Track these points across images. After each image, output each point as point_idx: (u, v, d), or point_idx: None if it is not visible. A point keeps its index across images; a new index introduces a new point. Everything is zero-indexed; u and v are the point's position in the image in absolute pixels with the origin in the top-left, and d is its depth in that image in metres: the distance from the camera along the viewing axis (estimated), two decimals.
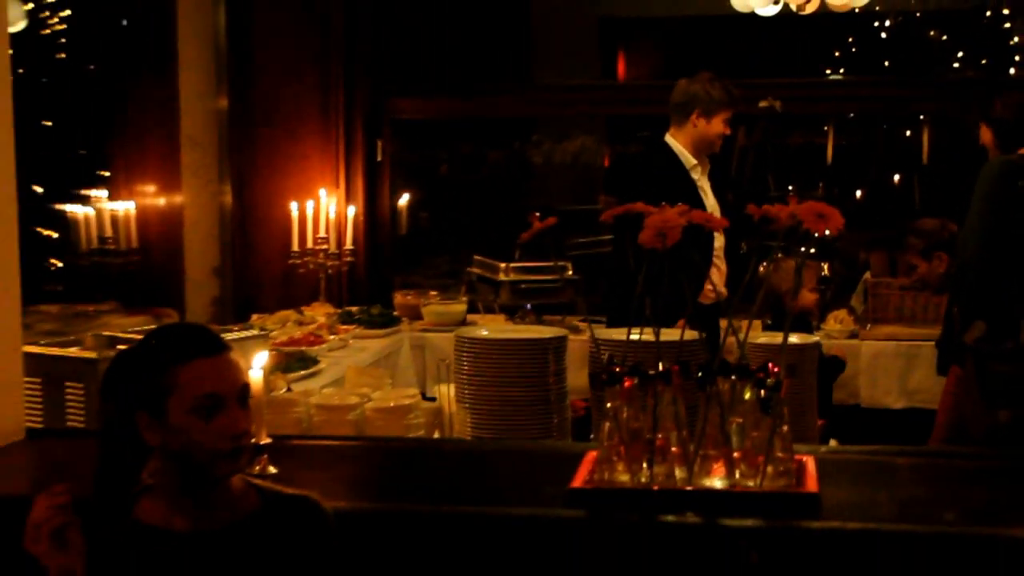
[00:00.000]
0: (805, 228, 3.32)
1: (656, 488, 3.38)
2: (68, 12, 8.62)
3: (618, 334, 4.22)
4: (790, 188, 8.29)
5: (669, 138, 6.85)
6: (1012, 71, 13.54)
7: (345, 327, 7.46)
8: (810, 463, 3.54)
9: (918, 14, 13.86)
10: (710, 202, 6.72)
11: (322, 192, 8.36)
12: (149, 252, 8.49)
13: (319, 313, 7.68)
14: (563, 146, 12.70)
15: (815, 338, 5.25)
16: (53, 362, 5.43)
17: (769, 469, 3.40)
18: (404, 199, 9.16)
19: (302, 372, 6.14)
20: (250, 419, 3.05)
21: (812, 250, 7.89)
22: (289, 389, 5.54)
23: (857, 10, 10.50)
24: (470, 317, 7.78)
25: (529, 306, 7.65)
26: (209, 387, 2.94)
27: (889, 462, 4.04)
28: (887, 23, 13.76)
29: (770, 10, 10.22)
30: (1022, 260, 5.86)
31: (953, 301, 6.26)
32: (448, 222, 10.66)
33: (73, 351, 5.54)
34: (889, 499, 3.58)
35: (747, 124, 7.00)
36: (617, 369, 3.43)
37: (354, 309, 7.81)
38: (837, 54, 13.90)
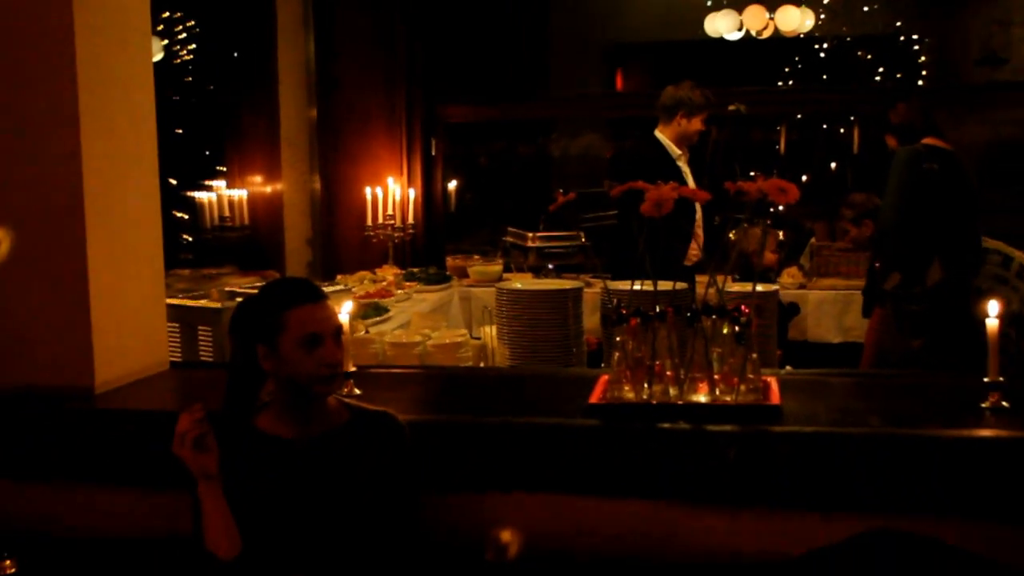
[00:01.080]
0: (770, 200, 3.32)
1: (655, 403, 3.37)
2: (193, 46, 8.66)
3: (624, 285, 4.21)
4: (752, 173, 8.22)
5: (658, 133, 6.83)
6: (920, 82, 13.51)
7: (408, 284, 7.44)
8: (773, 383, 3.53)
9: (849, 38, 13.80)
10: (691, 184, 6.68)
11: (389, 179, 8.34)
12: (257, 227, 8.53)
13: (388, 273, 7.66)
14: (575, 142, 12.66)
15: (775, 287, 5.22)
16: (188, 311, 5.46)
17: (742, 387, 3.40)
18: (452, 184, 9.14)
19: (376, 318, 6.13)
20: (343, 352, 3.07)
21: (769, 221, 7.87)
22: (367, 331, 5.54)
23: (802, 35, 10.49)
24: (505, 275, 7.75)
25: (551, 266, 7.63)
26: (312, 327, 2.97)
27: (831, 382, 4.02)
28: (825, 45, 13.71)
29: (735, 35, 10.23)
30: (926, 226, 5.84)
31: (875, 258, 6.25)
32: (487, 202, 10.65)
33: (203, 303, 5.58)
34: (832, 409, 3.56)
35: (718, 123, 6.95)
36: (624, 311, 3.43)
37: (415, 270, 7.79)
38: (787, 69, 13.84)
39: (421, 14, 8.63)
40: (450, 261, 8.19)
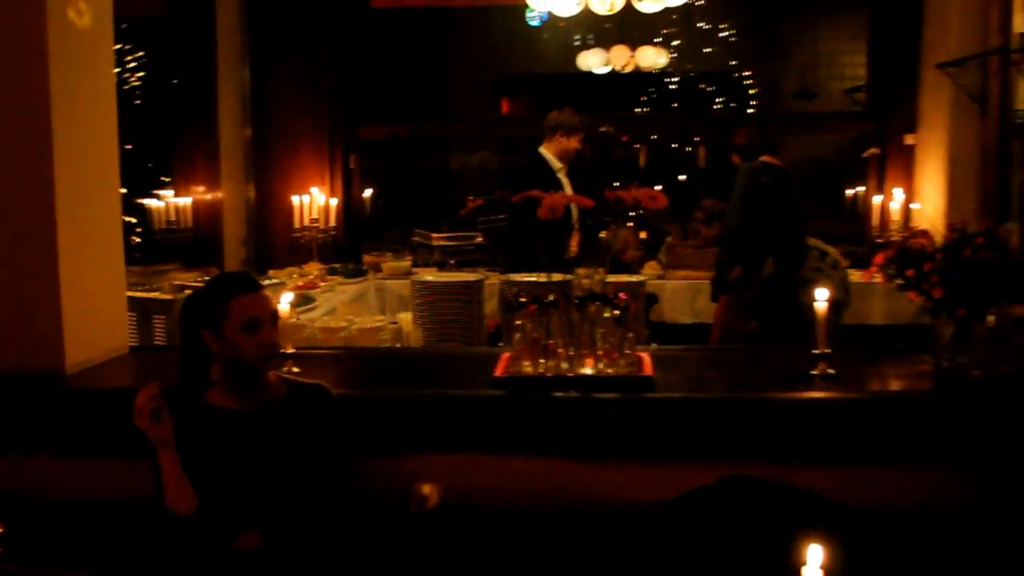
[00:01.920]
0: (643, 206, 3.34)
1: (550, 375, 3.39)
2: (142, 74, 8.52)
3: (520, 277, 4.21)
4: (615, 184, 8.23)
5: (542, 149, 6.81)
6: (750, 110, 13.76)
7: (331, 277, 7.38)
8: (646, 357, 3.56)
9: (694, 74, 13.99)
10: (569, 193, 6.68)
11: (314, 189, 8.24)
12: (199, 229, 8.37)
13: (313, 268, 7.58)
14: (470, 157, 12.63)
15: (642, 278, 5.25)
16: (144, 302, 5.38)
17: (621, 361, 3.43)
18: (368, 192, 9.03)
19: (305, 307, 6.06)
20: (279, 335, 3.03)
21: (631, 224, 7.91)
22: (297, 319, 5.46)
23: (657, 71, 10.58)
24: (413, 269, 7.68)
25: (452, 261, 7.58)
26: (252, 312, 2.94)
27: (689, 356, 4.09)
28: (675, 79, 13.88)
29: (603, 70, 10.27)
30: (762, 228, 5.91)
31: (721, 253, 6.31)
32: (397, 207, 10.56)
33: (156, 294, 5.48)
34: (693, 378, 3.64)
35: (591, 142, 6.99)
36: (523, 299, 3.42)
37: (337, 265, 7.71)
38: (644, 98, 13.98)
39: (342, 47, 8.54)
40: (366, 258, 8.09)
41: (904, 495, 3.10)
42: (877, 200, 8.03)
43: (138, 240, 8.48)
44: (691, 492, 2.95)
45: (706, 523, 2.84)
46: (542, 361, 3.41)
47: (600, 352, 3.42)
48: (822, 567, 1.99)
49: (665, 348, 4.27)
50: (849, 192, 9.33)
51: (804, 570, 1.99)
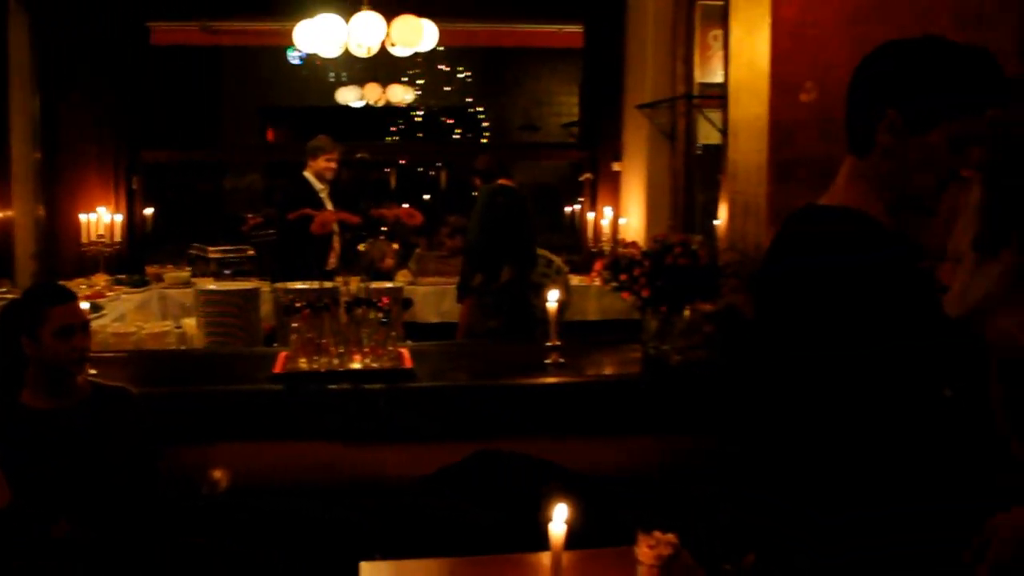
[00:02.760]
0: (403, 222, 3.37)
1: (324, 370, 3.35)
2: None
3: (294, 284, 4.14)
4: (371, 203, 8.20)
5: (306, 173, 6.69)
6: (483, 140, 14.02)
7: (117, 287, 7.02)
8: (406, 352, 3.57)
9: (435, 108, 14.14)
10: (331, 210, 6.59)
11: (100, 208, 7.83)
12: None
13: (100, 280, 7.19)
14: (241, 179, 12.35)
15: (400, 284, 5.25)
16: None
17: (385, 357, 3.43)
18: (149, 211, 8.64)
19: (94, 315, 5.70)
20: (89, 340, 2.90)
21: (383, 237, 7.88)
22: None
23: (404, 105, 10.62)
24: (192, 279, 7.40)
25: (227, 271, 7.34)
26: (67, 320, 2.81)
27: (440, 351, 4.14)
28: (420, 112, 14.00)
29: (358, 104, 10.23)
30: (500, 241, 5.99)
31: (465, 262, 6.36)
32: (176, 224, 10.16)
33: None
34: (447, 369, 3.67)
35: (348, 167, 6.92)
36: (298, 304, 3.38)
37: (122, 277, 7.34)
38: (394, 129, 14.04)
39: (126, 80, 8.14)
40: (149, 269, 7.72)
41: (625, 459, 3.24)
42: (591, 216, 8.31)
43: None
44: (447, 466, 2.98)
45: (463, 491, 2.88)
46: (316, 358, 3.37)
47: (367, 349, 3.42)
48: (566, 521, 2.05)
49: (420, 344, 4.30)
50: (567, 209, 9.61)
51: (551, 525, 2.05)
